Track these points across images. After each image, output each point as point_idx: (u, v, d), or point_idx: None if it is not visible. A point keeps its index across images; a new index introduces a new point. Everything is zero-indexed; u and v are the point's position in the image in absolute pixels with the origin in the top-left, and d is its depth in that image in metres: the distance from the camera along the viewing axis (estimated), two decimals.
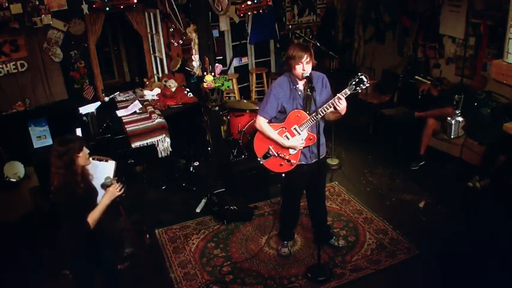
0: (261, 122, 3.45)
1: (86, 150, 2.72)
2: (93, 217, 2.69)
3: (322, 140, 3.48)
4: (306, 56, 3.21)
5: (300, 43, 3.31)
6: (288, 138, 3.44)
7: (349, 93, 3.23)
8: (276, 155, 3.49)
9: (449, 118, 5.07)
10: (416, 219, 4.33)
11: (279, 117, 3.46)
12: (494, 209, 4.32)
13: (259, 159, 3.57)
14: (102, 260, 3.01)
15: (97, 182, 2.87)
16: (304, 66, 3.24)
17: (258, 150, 3.56)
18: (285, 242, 3.99)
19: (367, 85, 3.21)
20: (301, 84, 3.38)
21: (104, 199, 2.72)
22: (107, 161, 2.97)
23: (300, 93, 3.38)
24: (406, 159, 5.38)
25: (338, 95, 3.23)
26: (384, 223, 4.28)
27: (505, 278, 3.40)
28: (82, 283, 3.01)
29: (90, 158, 2.84)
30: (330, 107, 3.28)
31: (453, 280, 3.50)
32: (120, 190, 2.73)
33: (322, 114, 3.32)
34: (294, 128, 3.41)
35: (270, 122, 3.48)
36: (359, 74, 3.22)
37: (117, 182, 2.88)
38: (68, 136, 2.74)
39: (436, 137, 5.32)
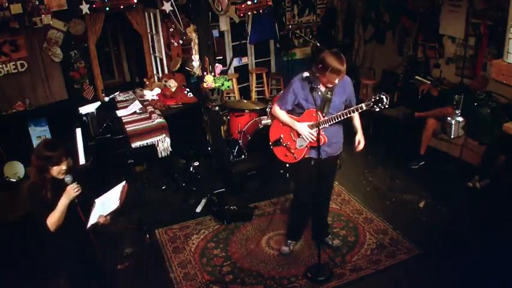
0: (276, 109, 3.57)
1: (62, 166, 2.63)
2: (52, 219, 2.61)
3: (335, 139, 3.52)
4: (341, 70, 3.18)
5: (339, 53, 3.24)
6: (298, 135, 3.50)
7: (365, 108, 3.23)
8: (285, 144, 3.61)
9: (449, 118, 5.06)
10: (416, 219, 4.33)
11: (297, 110, 3.51)
12: (494, 209, 4.32)
13: (270, 143, 3.73)
14: (94, 266, 2.95)
15: (104, 198, 2.82)
16: (336, 80, 3.23)
17: (272, 136, 3.72)
18: (289, 241, 3.99)
19: (387, 106, 3.15)
20: (322, 86, 3.38)
21: (61, 199, 2.64)
22: (119, 199, 2.87)
23: (320, 93, 3.37)
24: (406, 159, 5.38)
25: (353, 107, 3.29)
26: (384, 223, 4.28)
27: (505, 278, 3.40)
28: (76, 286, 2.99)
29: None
30: (343, 117, 3.29)
31: (453, 280, 3.50)
32: (76, 191, 2.63)
33: (335, 121, 3.33)
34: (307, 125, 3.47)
35: (290, 112, 3.53)
36: (382, 93, 3.14)
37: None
38: (56, 143, 2.67)
39: (436, 137, 5.32)
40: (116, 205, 2.84)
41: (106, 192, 2.83)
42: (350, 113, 3.28)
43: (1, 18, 4.99)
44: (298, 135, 3.50)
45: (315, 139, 3.36)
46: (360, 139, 3.60)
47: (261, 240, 4.17)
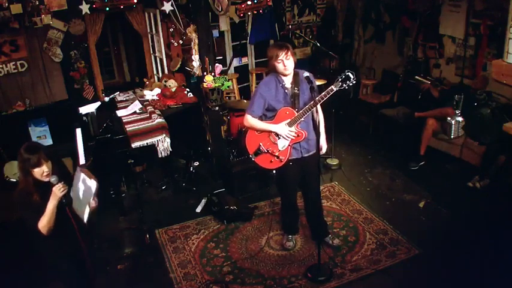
0: (248, 118, 3.57)
1: (44, 168, 2.63)
2: (42, 222, 2.63)
3: (310, 136, 3.55)
4: (282, 53, 3.30)
5: (277, 42, 3.43)
6: (278, 136, 3.50)
7: (335, 89, 3.25)
8: (266, 151, 3.57)
9: (449, 118, 5.06)
10: (416, 219, 4.33)
11: (269, 115, 3.54)
12: (494, 209, 4.32)
13: (251, 156, 3.66)
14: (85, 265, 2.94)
15: (76, 192, 2.80)
16: (284, 63, 3.33)
17: (250, 148, 3.66)
18: (290, 236, 4.04)
19: (354, 82, 3.23)
20: (288, 83, 3.46)
21: (49, 201, 2.65)
22: (90, 178, 2.83)
23: (286, 91, 3.45)
24: (406, 159, 5.38)
25: (324, 92, 3.29)
26: (384, 223, 4.28)
27: (505, 278, 3.40)
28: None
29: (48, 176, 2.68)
30: (317, 103, 3.31)
31: (453, 280, 3.50)
32: (62, 191, 2.64)
33: (310, 111, 3.37)
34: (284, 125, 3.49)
35: (260, 119, 3.56)
36: (346, 71, 3.22)
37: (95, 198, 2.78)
38: (35, 146, 2.67)
39: (436, 137, 5.32)
40: (94, 185, 2.78)
41: (72, 186, 2.82)
42: (323, 98, 3.28)
43: (1, 18, 4.99)
44: (278, 136, 3.51)
45: (295, 135, 3.44)
46: (322, 144, 3.64)
47: (261, 240, 4.17)
